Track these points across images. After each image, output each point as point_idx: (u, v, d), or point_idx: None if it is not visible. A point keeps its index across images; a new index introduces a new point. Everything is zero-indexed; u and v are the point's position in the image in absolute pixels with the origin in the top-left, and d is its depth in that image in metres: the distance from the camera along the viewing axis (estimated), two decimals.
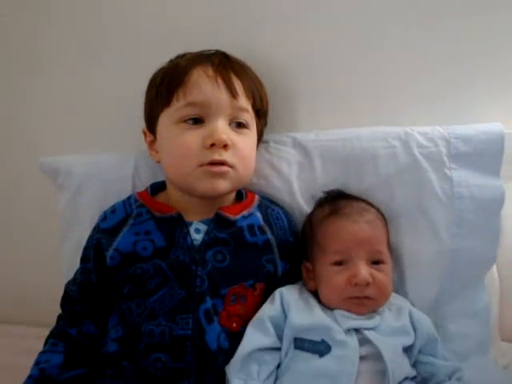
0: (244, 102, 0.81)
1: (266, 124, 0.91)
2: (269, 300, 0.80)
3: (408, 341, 0.75)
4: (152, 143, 0.86)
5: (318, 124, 0.94)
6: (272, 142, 0.93)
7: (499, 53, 0.91)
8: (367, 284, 0.75)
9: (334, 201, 0.85)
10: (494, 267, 0.92)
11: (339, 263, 0.78)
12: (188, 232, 0.79)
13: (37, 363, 0.78)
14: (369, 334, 0.73)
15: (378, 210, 0.85)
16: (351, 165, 0.88)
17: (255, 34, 0.94)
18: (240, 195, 0.87)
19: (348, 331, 0.73)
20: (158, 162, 0.85)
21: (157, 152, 0.85)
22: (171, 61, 0.86)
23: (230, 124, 0.80)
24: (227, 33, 0.93)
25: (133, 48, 0.99)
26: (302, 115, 0.97)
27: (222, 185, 0.78)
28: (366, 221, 0.80)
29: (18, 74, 1.07)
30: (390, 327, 0.75)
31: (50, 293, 0.87)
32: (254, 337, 0.75)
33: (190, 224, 0.80)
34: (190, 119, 0.79)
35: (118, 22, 1.00)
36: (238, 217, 0.81)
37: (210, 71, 0.79)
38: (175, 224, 0.80)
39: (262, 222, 0.83)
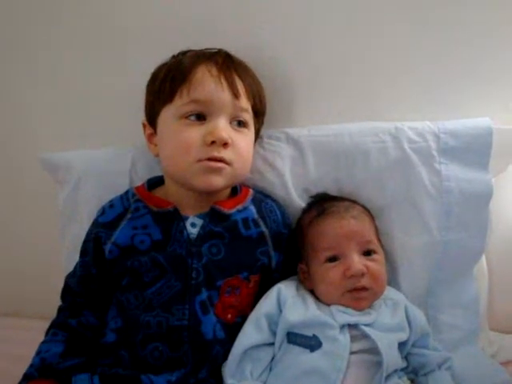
0: (245, 102, 0.82)
1: (262, 124, 0.91)
2: (266, 296, 0.80)
3: (403, 337, 0.76)
4: (151, 136, 0.87)
5: (313, 120, 0.95)
6: (266, 137, 0.94)
7: (488, 48, 0.91)
8: (362, 274, 0.76)
9: (320, 203, 0.86)
10: (484, 258, 0.93)
11: (333, 259, 0.78)
12: (184, 226, 0.81)
13: (38, 352, 0.80)
14: (366, 329, 0.74)
15: (363, 206, 0.86)
16: (343, 159, 0.90)
17: (253, 31, 0.95)
18: (235, 189, 0.88)
19: (342, 327, 0.74)
20: (156, 155, 0.86)
21: (155, 145, 0.86)
22: (174, 57, 0.86)
23: (230, 123, 0.81)
24: (226, 30, 0.94)
25: (131, 44, 1.00)
26: (297, 112, 0.98)
27: (218, 181, 0.79)
28: (352, 216, 0.81)
29: (17, 71, 1.08)
30: (386, 323, 0.76)
31: (50, 286, 0.89)
32: (249, 335, 0.77)
33: (186, 218, 0.82)
34: (192, 115, 0.79)
35: (118, 18, 1.00)
36: (232, 211, 0.83)
37: (214, 70, 0.80)
38: (172, 218, 0.81)
39: (256, 216, 0.84)
